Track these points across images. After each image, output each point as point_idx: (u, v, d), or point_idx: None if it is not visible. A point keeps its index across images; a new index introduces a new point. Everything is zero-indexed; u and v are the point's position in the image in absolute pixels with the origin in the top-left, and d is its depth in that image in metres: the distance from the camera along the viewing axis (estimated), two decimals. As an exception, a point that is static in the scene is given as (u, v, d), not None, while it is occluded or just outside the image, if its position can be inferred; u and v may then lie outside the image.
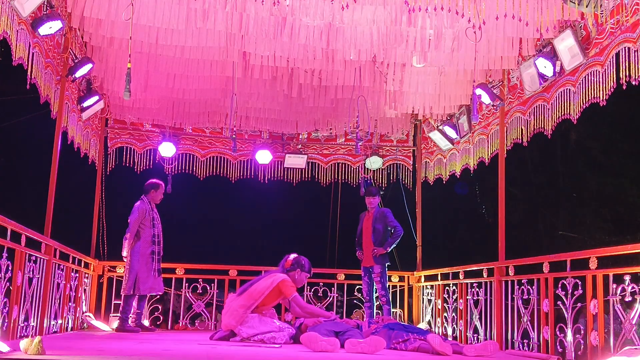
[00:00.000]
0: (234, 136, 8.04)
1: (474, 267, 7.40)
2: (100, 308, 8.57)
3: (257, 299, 6.61)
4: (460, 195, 14.14)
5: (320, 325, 6.39)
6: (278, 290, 6.71)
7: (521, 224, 13.89)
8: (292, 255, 7.05)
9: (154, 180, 8.08)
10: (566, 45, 5.91)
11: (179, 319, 8.90)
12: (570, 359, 5.36)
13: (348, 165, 10.03)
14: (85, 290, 8.18)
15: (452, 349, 5.73)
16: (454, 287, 7.86)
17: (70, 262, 7.15)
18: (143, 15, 6.31)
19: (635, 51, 4.99)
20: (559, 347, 5.51)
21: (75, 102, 7.51)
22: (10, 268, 5.11)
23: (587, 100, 5.76)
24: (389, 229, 8.15)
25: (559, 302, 5.56)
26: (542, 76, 6.42)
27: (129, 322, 7.72)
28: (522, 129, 7.00)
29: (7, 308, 5.13)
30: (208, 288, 8.81)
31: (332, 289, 9.13)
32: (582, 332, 5.32)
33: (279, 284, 6.70)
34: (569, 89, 6.07)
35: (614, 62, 5.31)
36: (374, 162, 9.78)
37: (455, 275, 7.83)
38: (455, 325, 7.82)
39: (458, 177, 9.11)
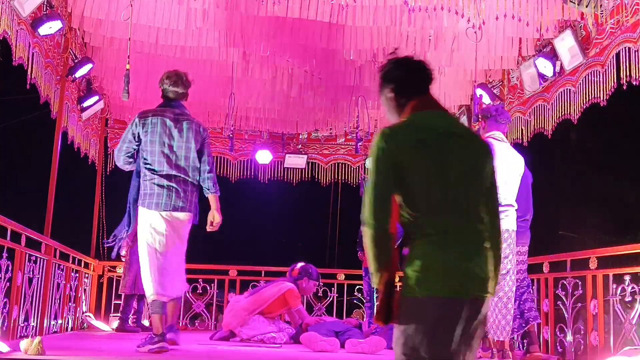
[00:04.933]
0: (230, 135, 8.04)
1: (474, 267, 7.38)
2: (100, 308, 8.56)
3: (262, 305, 6.62)
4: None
5: (320, 324, 6.39)
6: (284, 299, 6.71)
7: (521, 223, 13.83)
8: (300, 264, 7.04)
9: None
10: (566, 45, 5.90)
11: (179, 319, 8.89)
12: (570, 359, 5.36)
13: (348, 165, 10.01)
14: (85, 290, 8.18)
15: (452, 348, 5.72)
16: (454, 287, 7.84)
17: (70, 262, 7.14)
18: (143, 16, 6.32)
19: (635, 51, 4.99)
20: (559, 347, 5.52)
21: (75, 102, 7.51)
22: (10, 268, 5.11)
23: (587, 100, 5.75)
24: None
25: (559, 302, 5.56)
26: (542, 76, 6.41)
27: (129, 322, 7.71)
28: (522, 129, 6.99)
29: (7, 308, 5.12)
30: (208, 288, 8.79)
31: (332, 289, 9.11)
32: (582, 332, 5.32)
33: (285, 293, 6.70)
34: (569, 89, 6.06)
35: (614, 62, 5.30)
36: (374, 162, 9.76)
37: (455, 275, 7.80)
38: (455, 325, 7.79)
39: (458, 177, 9.08)
